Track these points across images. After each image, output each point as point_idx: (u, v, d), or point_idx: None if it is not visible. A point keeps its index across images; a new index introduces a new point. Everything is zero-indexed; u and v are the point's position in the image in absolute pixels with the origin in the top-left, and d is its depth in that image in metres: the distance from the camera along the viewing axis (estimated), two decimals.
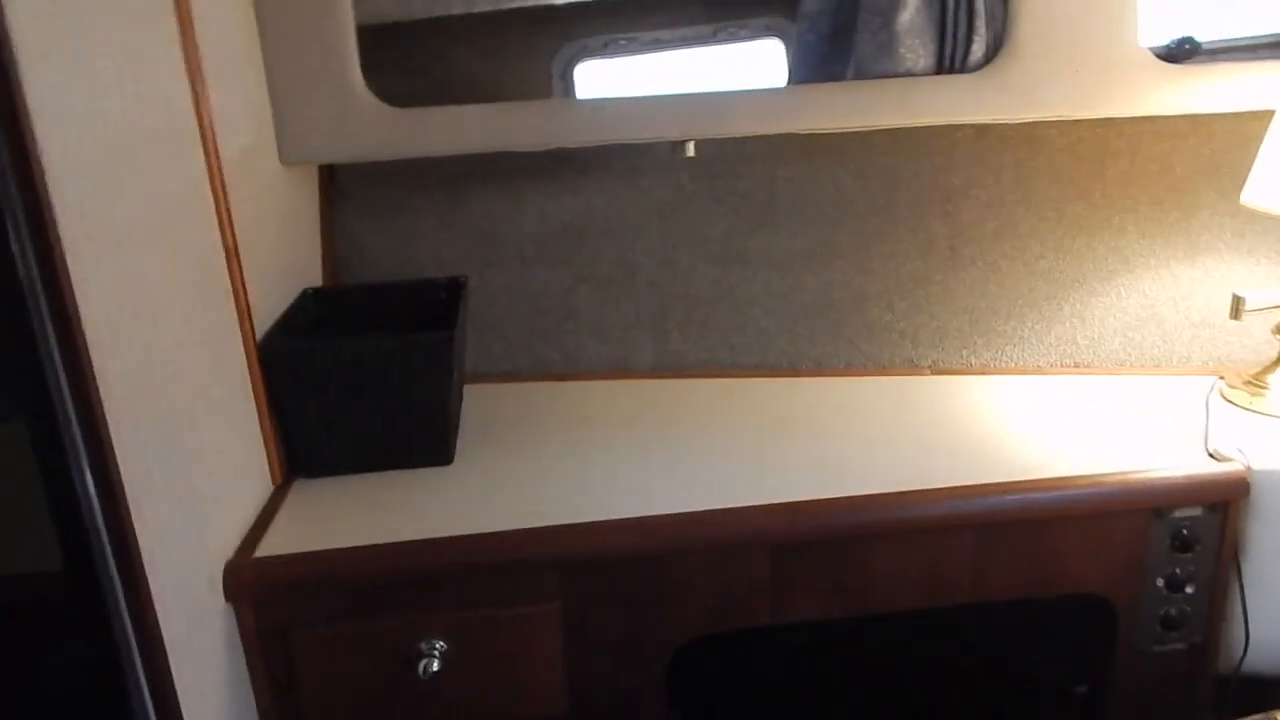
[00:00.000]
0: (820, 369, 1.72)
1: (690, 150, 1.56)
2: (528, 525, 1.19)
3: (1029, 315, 1.72)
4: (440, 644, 1.17)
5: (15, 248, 0.85)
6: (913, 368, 1.71)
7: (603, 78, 1.72)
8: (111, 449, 0.93)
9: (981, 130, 1.66)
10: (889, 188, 1.69)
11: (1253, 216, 1.65)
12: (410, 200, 1.67)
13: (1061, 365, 1.73)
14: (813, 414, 1.52)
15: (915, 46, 1.49)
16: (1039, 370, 1.71)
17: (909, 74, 1.48)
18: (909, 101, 1.47)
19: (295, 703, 1.19)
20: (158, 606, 0.98)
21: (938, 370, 1.71)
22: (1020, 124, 1.61)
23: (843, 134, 1.58)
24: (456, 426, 1.47)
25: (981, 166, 1.68)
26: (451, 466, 1.37)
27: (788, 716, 1.57)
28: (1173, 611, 1.34)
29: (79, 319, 0.88)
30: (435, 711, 1.20)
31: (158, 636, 0.98)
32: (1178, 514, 1.30)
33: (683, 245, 1.69)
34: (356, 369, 1.30)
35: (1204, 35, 1.62)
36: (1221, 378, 1.59)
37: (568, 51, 1.66)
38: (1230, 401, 1.51)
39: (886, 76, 1.48)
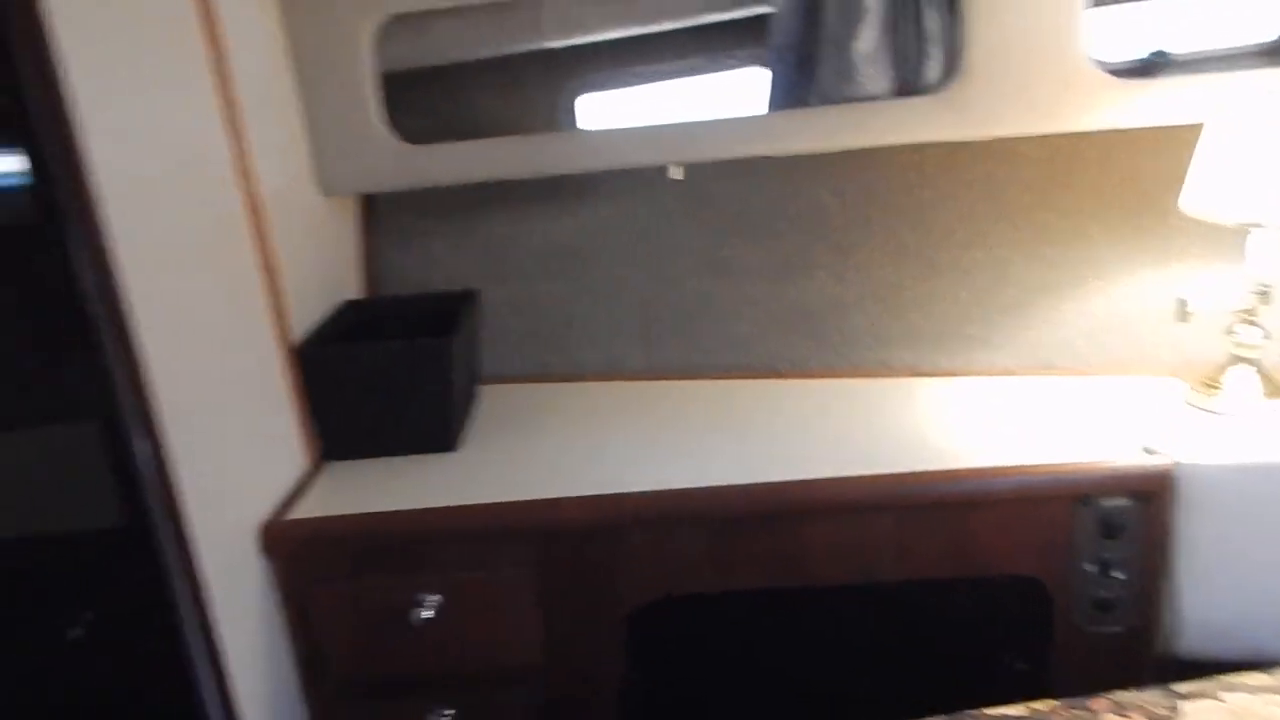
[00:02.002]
0: (798, 371, 1.87)
1: (677, 173, 1.75)
2: (505, 500, 1.40)
3: (1000, 320, 1.84)
4: (434, 597, 1.39)
5: (78, 269, 1.10)
6: (887, 369, 1.85)
7: (604, 108, 1.93)
8: (162, 432, 1.17)
9: (953, 145, 1.78)
10: (864, 202, 1.83)
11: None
12: (433, 224, 1.90)
13: (1030, 367, 1.84)
14: (780, 411, 1.69)
15: (872, 73, 1.64)
16: (1008, 371, 1.83)
17: (870, 98, 1.63)
18: (870, 124, 1.62)
19: (317, 642, 1.43)
20: (204, 558, 1.23)
21: (911, 372, 1.85)
22: (990, 139, 1.73)
23: (820, 154, 1.73)
24: (463, 419, 1.69)
25: (953, 180, 1.81)
26: (455, 453, 1.60)
27: (735, 679, 1.73)
28: (1106, 594, 1.44)
29: (132, 328, 1.13)
30: (429, 654, 1.42)
31: (199, 577, 1.22)
32: (1105, 503, 1.40)
33: (669, 259, 1.88)
34: (372, 369, 1.54)
35: (1181, 47, 1.71)
36: (1183, 379, 1.67)
37: (571, 86, 1.88)
38: (1188, 402, 1.60)
39: (848, 101, 1.63)
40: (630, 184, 1.86)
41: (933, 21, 1.59)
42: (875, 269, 1.85)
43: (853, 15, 1.59)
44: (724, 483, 1.40)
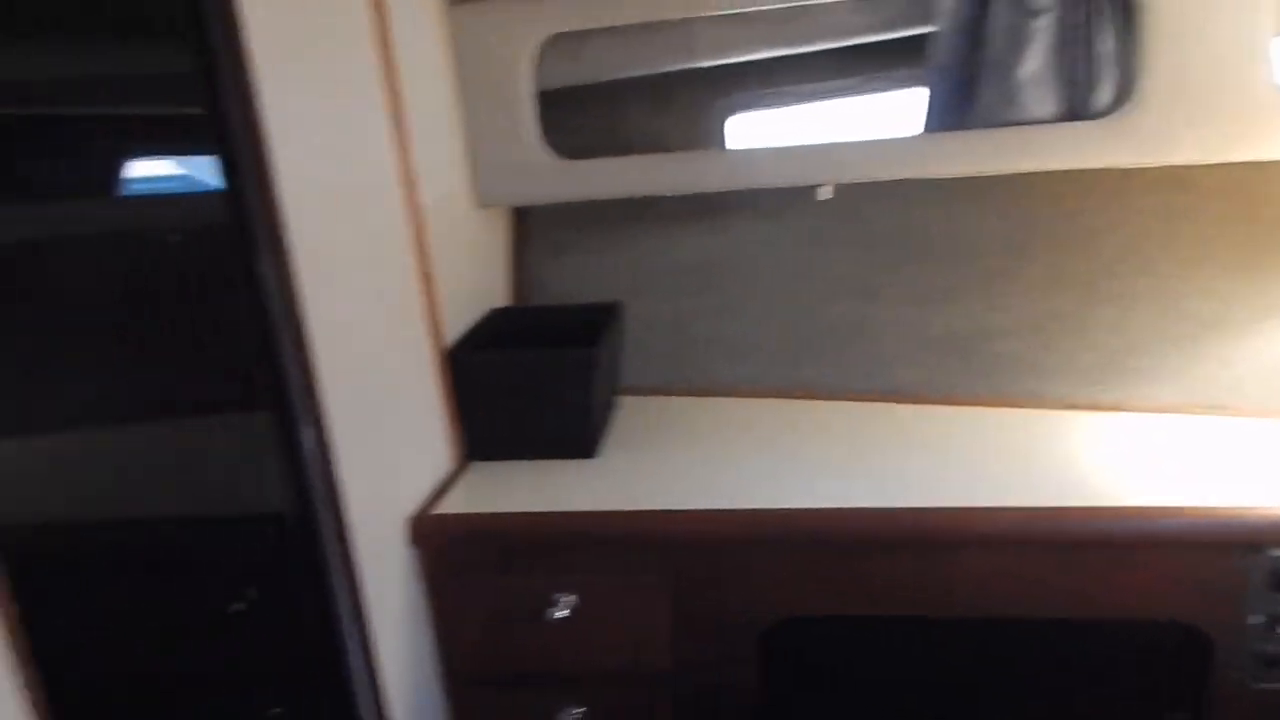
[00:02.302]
0: (945, 398, 1.82)
1: (827, 193, 1.74)
2: (643, 508, 1.42)
3: (1168, 354, 1.75)
4: (570, 597, 1.42)
5: (263, 270, 1.18)
6: (1038, 401, 1.79)
7: (755, 127, 1.94)
8: (326, 424, 1.25)
9: (1125, 172, 1.71)
10: (1023, 227, 1.78)
11: None
12: (581, 238, 1.96)
13: (1197, 406, 1.73)
14: (924, 437, 1.65)
15: (1038, 95, 1.60)
16: (1173, 409, 1.73)
17: (1033, 121, 1.58)
18: (1034, 148, 1.57)
19: (457, 632, 1.49)
20: (358, 545, 1.30)
21: (1064, 405, 1.77)
22: (1164, 166, 1.65)
23: (977, 177, 1.69)
24: (603, 427, 1.73)
25: (1122, 207, 1.74)
26: (594, 460, 1.63)
27: (866, 705, 1.69)
28: (1273, 650, 1.35)
29: (305, 326, 1.21)
30: (562, 652, 1.46)
31: (353, 562, 1.29)
32: (1276, 553, 1.32)
33: (815, 279, 1.87)
34: (519, 375, 1.60)
35: None
36: None
37: (724, 104, 1.90)
38: None
39: (1010, 124, 1.59)
40: (779, 203, 1.86)
41: (1106, 44, 1.53)
42: (1032, 296, 1.79)
43: (1020, 37, 1.55)
44: (864, 505, 1.37)
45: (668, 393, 1.94)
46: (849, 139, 1.67)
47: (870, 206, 1.83)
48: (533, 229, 1.99)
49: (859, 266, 1.85)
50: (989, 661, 1.62)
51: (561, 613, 1.42)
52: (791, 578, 1.40)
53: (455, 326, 1.67)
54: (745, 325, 1.91)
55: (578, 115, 1.84)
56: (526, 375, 1.60)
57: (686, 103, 1.87)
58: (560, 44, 1.71)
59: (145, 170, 1.29)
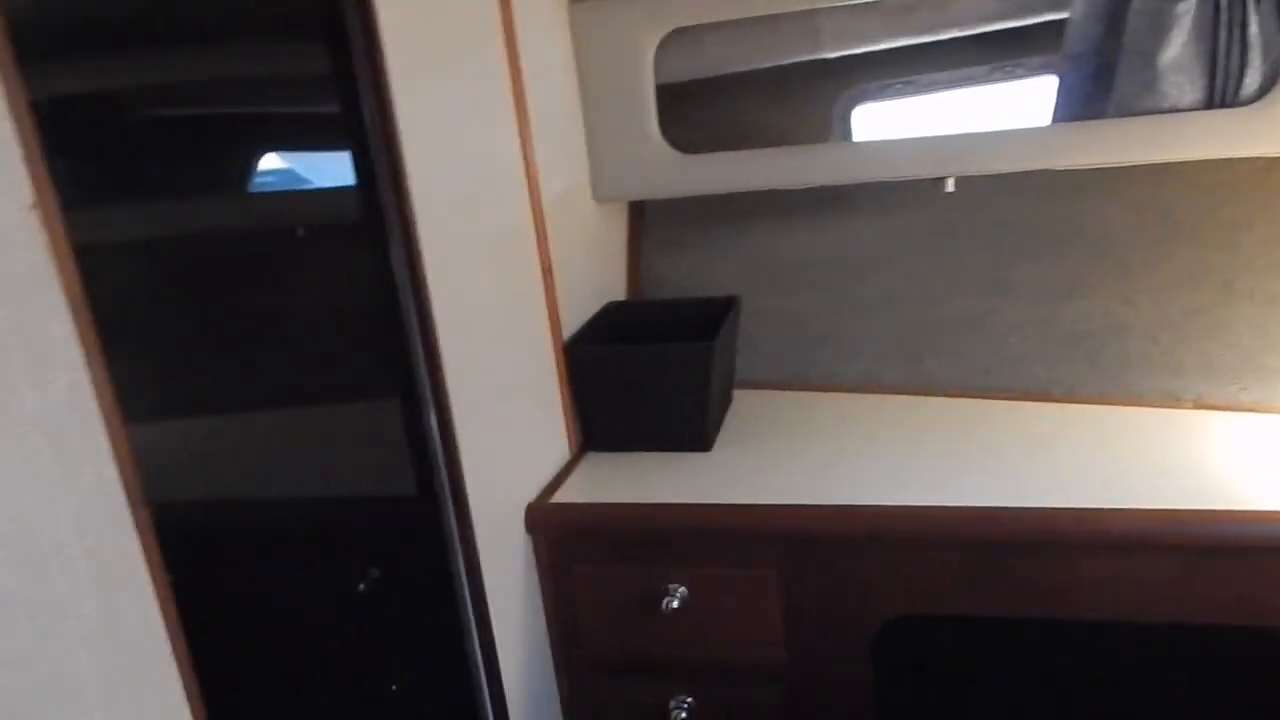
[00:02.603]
0: (1072, 396, 1.76)
1: (950, 186, 1.70)
2: (758, 503, 1.42)
3: None
4: (683, 589, 1.44)
5: (394, 264, 1.24)
6: (1172, 401, 1.70)
7: (880, 118, 1.90)
8: (451, 412, 1.30)
9: (1272, 162, 1.62)
10: (1159, 221, 1.70)
11: None
12: (702, 231, 1.96)
13: None
14: (1050, 436, 1.59)
15: (1180, 83, 1.52)
16: None
17: (1174, 110, 1.51)
18: (1175, 137, 1.50)
19: (571, 618, 1.52)
20: (477, 527, 1.34)
21: (1200, 404, 1.69)
22: None
23: (1110, 168, 1.62)
24: (719, 421, 1.73)
25: (1270, 200, 1.64)
26: (709, 453, 1.64)
27: (984, 706, 1.64)
28: None
29: (432, 318, 1.26)
30: (674, 642, 1.47)
31: (474, 546, 1.33)
32: None
33: (940, 274, 1.82)
34: (633, 369, 1.62)
35: None
36: None
37: (846, 96, 1.87)
38: None
39: (1150, 113, 1.52)
40: (900, 196, 1.82)
41: (1256, 28, 1.45)
42: (1167, 293, 1.71)
43: (1162, 22, 1.48)
44: (987, 505, 1.34)
45: (784, 388, 1.92)
46: (976, 130, 1.63)
47: (997, 199, 1.78)
48: (650, 223, 2.00)
49: (984, 261, 1.80)
50: (1111, 666, 1.57)
51: (674, 604, 1.43)
52: (908, 576, 1.38)
53: (573, 320, 1.71)
54: (865, 321, 1.88)
55: (697, 109, 1.85)
56: (643, 369, 1.61)
57: (809, 94, 1.85)
58: (681, 38, 1.72)
59: (284, 166, 1.36)
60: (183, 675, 0.86)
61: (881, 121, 1.88)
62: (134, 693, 0.81)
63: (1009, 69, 1.83)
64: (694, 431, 1.63)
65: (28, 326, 0.71)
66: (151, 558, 0.82)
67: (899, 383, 1.87)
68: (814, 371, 1.92)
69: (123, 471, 0.79)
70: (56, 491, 0.73)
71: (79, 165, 0.76)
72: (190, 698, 0.87)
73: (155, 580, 0.83)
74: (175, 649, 0.85)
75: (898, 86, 1.89)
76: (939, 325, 1.84)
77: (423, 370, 1.29)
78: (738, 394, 1.90)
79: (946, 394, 1.82)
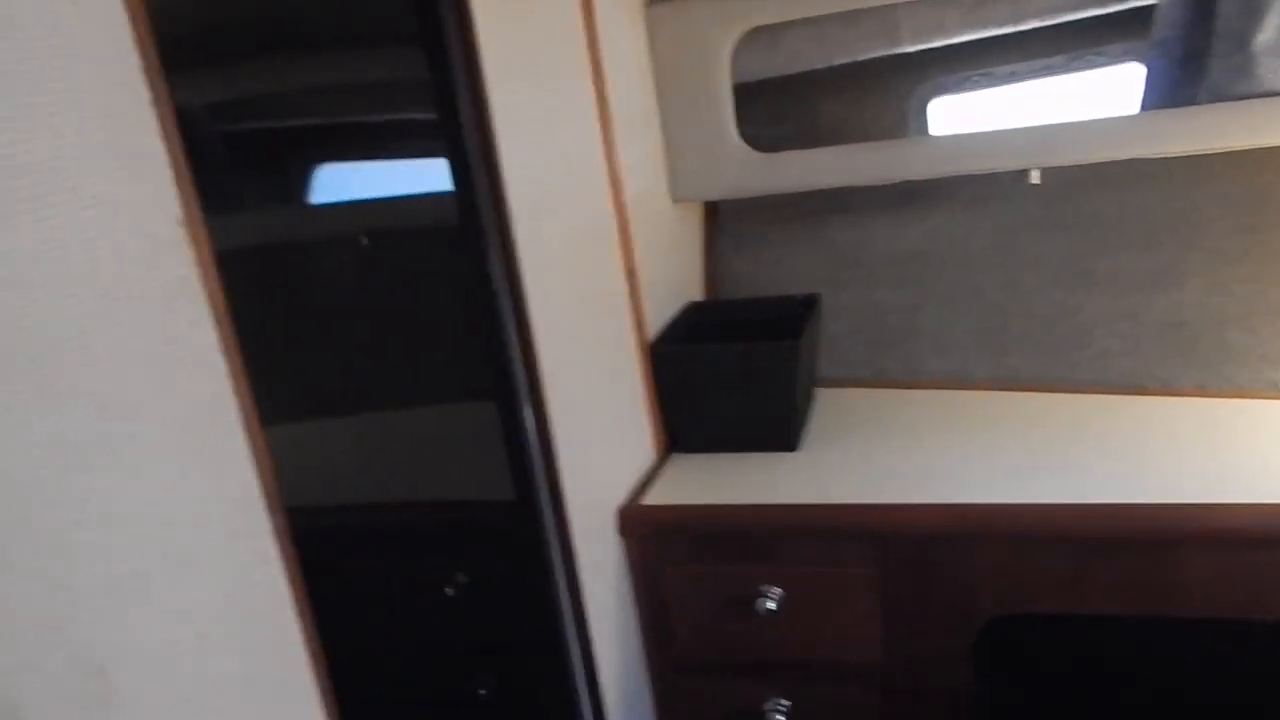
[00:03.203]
0: (1167, 389, 1.72)
1: (1035, 178, 1.67)
2: (849, 501, 1.41)
3: None
4: (777, 589, 1.43)
5: (492, 267, 1.25)
6: (1275, 391, 1.66)
7: (959, 111, 1.88)
8: (548, 415, 1.30)
9: None
10: (1254, 207, 1.65)
11: None
12: (778, 229, 1.95)
13: None
14: (1146, 430, 1.56)
15: (1276, 66, 1.48)
16: None
17: (1269, 94, 1.48)
18: (1268, 121, 1.47)
19: (665, 620, 1.52)
20: (574, 531, 1.35)
21: None
22: None
23: (1201, 155, 1.59)
24: (804, 420, 1.72)
25: None
26: (796, 453, 1.63)
27: (1088, 703, 1.61)
28: None
29: (529, 321, 1.27)
30: (769, 644, 1.46)
31: (572, 549, 1.34)
32: None
33: (1026, 267, 1.79)
34: (718, 369, 1.61)
35: None
36: None
37: (923, 90, 1.85)
38: None
39: (1244, 98, 1.49)
40: (983, 189, 1.80)
41: None
42: (1264, 281, 1.66)
43: (1257, 4, 1.45)
44: (1085, 501, 1.32)
45: (868, 385, 1.91)
46: (1060, 120, 1.60)
47: (1083, 190, 1.75)
48: (725, 221, 2.00)
49: (1071, 252, 1.77)
50: (1221, 664, 1.53)
51: (769, 605, 1.42)
52: (1011, 574, 1.35)
53: (655, 320, 1.71)
54: (948, 316, 1.86)
55: (774, 107, 1.84)
56: (727, 368, 1.61)
57: (886, 89, 1.83)
58: (757, 36, 1.71)
59: (385, 173, 1.38)
60: (318, 678, 0.88)
61: (963, 114, 1.86)
62: (273, 693, 0.83)
63: (1089, 57, 1.80)
64: (781, 431, 1.62)
65: (178, 337, 0.73)
66: (289, 562, 0.84)
67: (986, 378, 1.84)
68: (897, 368, 1.90)
69: (262, 476, 0.81)
70: (203, 498, 0.75)
71: (204, 176, 0.78)
72: (326, 702, 0.88)
73: (292, 583, 0.85)
74: (310, 651, 0.87)
75: (975, 78, 1.87)
76: (1025, 319, 1.81)
77: (520, 372, 1.30)
78: (821, 392, 1.89)
79: (1036, 389, 1.79)
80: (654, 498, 1.53)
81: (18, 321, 0.60)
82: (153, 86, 0.71)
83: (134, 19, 0.70)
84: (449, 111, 1.20)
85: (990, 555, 1.35)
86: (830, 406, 1.82)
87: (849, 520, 1.40)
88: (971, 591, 1.37)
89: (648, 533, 1.50)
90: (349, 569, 1.43)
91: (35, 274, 0.62)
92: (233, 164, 1.30)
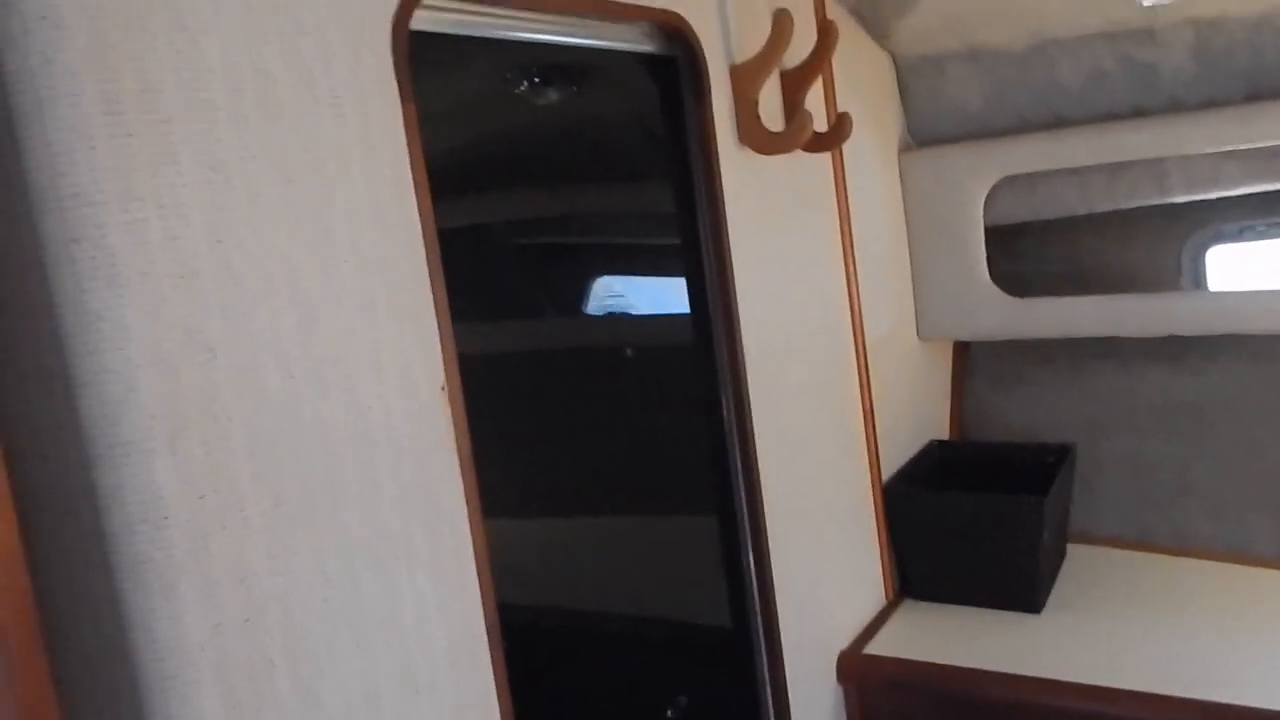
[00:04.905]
0: None
1: None
2: (1099, 683, 1.29)
3: None
4: None
5: (721, 388, 1.29)
6: None
7: (1240, 261, 1.74)
8: (768, 545, 1.32)
9: None
10: None
11: None
12: (1032, 371, 1.87)
13: None
14: None
15: None
16: None
17: None
18: None
19: None
20: (786, 670, 1.34)
21: None
22: None
23: None
24: (1050, 580, 1.61)
25: None
26: (1040, 615, 1.52)
27: None
28: None
29: (755, 447, 1.30)
30: None
31: (785, 689, 1.33)
32: None
33: None
34: (959, 517, 1.56)
35: None
36: None
37: (1199, 238, 1.73)
38: None
39: None
40: (1270, 343, 1.64)
41: None
42: None
43: None
44: None
45: (1126, 545, 1.75)
46: None
47: None
48: (977, 360, 1.95)
49: None
50: None
51: None
52: None
53: (893, 458, 1.68)
54: (1225, 477, 1.68)
55: (1028, 249, 1.80)
56: (970, 518, 1.55)
57: (1157, 234, 1.74)
58: (1012, 181, 1.69)
59: (620, 292, 1.48)
60: None
61: (1242, 264, 1.73)
62: None
63: None
64: (1023, 591, 1.53)
65: (430, 486, 0.84)
66: (503, 697, 0.90)
67: (1269, 552, 1.64)
68: (1163, 530, 1.74)
69: (487, 617, 0.89)
70: (437, 630, 0.84)
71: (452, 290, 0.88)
72: None
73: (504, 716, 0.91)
74: None
75: (1259, 228, 1.73)
76: None
77: (742, 499, 1.32)
78: (1073, 548, 1.76)
79: None
80: (882, 646, 1.48)
81: (309, 473, 0.72)
82: (432, 274, 0.84)
83: (424, 220, 0.83)
84: (690, 239, 1.29)
85: None
86: (1084, 566, 1.69)
87: (1095, 705, 1.28)
88: None
89: (872, 684, 1.45)
90: (562, 676, 1.48)
91: (337, 434, 0.74)
92: (519, 275, 1.44)
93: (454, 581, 0.86)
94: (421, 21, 0.86)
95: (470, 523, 0.87)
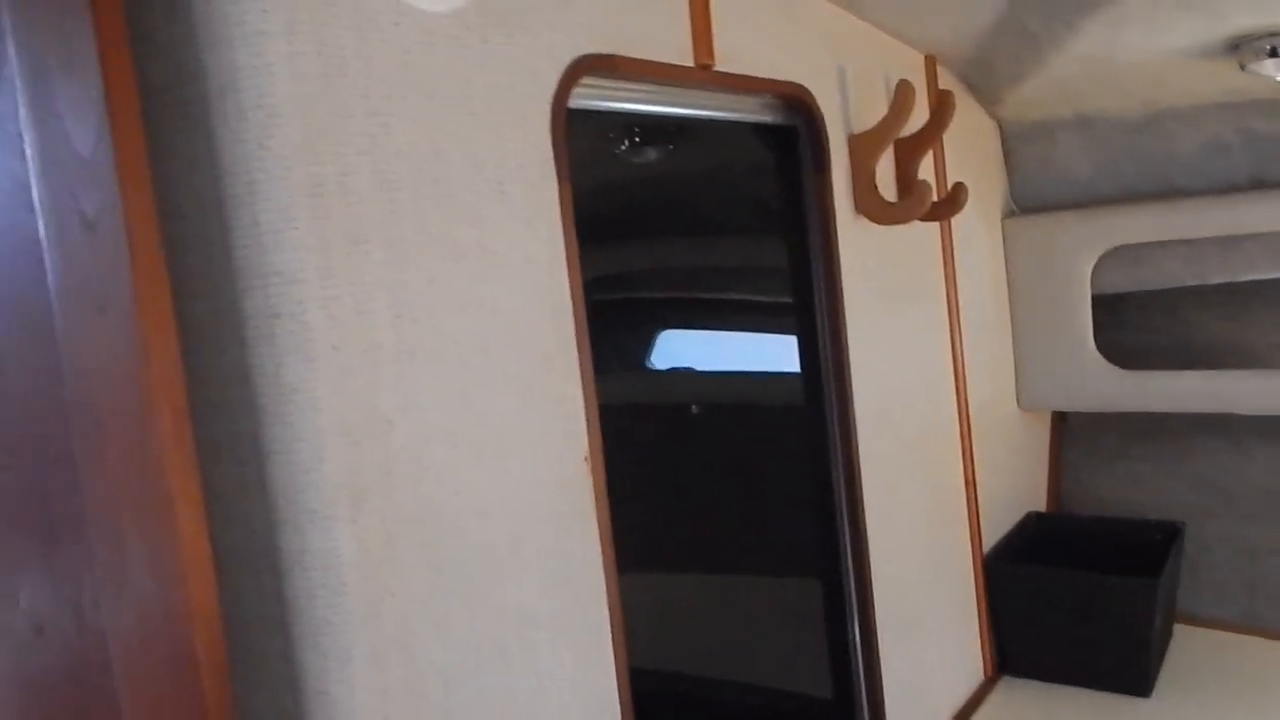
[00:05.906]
0: None
1: None
2: None
3: None
4: None
5: (831, 450, 1.29)
6: None
7: None
8: (874, 616, 1.30)
9: None
10: None
11: None
12: (1135, 445, 1.83)
13: None
14: None
15: None
16: None
17: None
18: None
19: None
20: None
21: None
22: None
23: None
24: (1159, 662, 1.56)
25: None
26: (1149, 700, 1.47)
27: None
28: None
29: (865, 514, 1.28)
30: None
31: None
32: None
33: None
34: (1068, 595, 1.52)
35: None
36: None
37: None
38: None
39: None
40: None
41: None
42: None
43: None
44: None
45: (1237, 630, 1.70)
46: None
47: None
48: (1078, 432, 1.91)
49: None
50: None
51: None
52: None
53: (992, 529, 1.65)
54: None
55: (1130, 319, 1.77)
56: (1075, 596, 1.52)
57: (1267, 309, 1.70)
58: (1119, 251, 1.67)
59: (736, 349, 1.48)
60: None
61: None
62: None
63: None
64: (1132, 673, 1.48)
65: (574, 557, 0.85)
66: None
67: None
68: (1275, 616, 1.68)
69: (621, 693, 0.89)
70: (570, 696, 0.84)
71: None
72: None
73: None
74: None
75: None
76: None
77: (849, 561, 1.31)
78: (1179, 629, 1.70)
79: None
80: None
81: (465, 544, 0.74)
82: (580, 348, 0.86)
83: (574, 295, 0.85)
84: (804, 307, 1.29)
85: None
86: (1191, 648, 1.63)
87: None
88: None
89: None
90: None
91: (490, 505, 0.76)
92: (628, 331, 1.45)
93: (593, 653, 0.86)
94: (573, 99, 0.89)
95: (609, 594, 0.88)
